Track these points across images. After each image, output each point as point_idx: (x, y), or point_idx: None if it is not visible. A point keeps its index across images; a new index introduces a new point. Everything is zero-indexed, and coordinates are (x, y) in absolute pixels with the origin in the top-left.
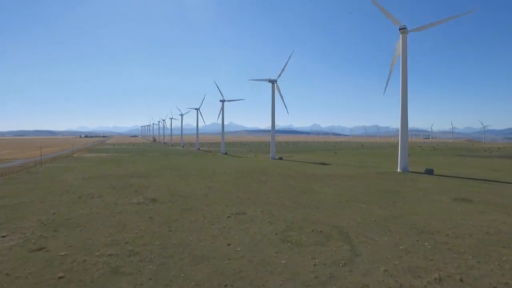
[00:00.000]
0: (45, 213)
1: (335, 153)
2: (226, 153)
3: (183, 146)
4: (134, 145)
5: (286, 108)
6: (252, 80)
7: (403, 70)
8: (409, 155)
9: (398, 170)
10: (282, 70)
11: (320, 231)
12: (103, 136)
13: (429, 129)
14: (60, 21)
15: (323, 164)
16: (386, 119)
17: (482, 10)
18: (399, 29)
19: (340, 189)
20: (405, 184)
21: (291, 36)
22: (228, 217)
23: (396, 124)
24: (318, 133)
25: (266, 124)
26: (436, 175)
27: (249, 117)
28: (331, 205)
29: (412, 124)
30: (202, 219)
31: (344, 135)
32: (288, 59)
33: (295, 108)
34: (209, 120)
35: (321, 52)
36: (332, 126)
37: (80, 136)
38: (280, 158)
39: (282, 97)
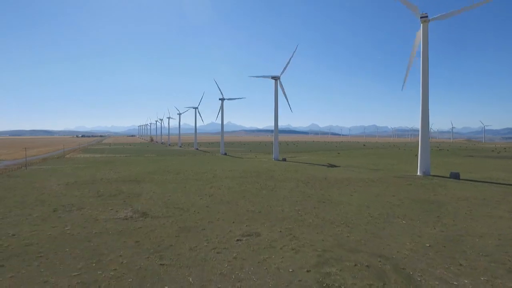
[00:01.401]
0: (1, 235)
1: (339, 153)
2: (225, 154)
3: (180, 146)
4: (130, 145)
5: (289, 106)
6: (253, 77)
7: (424, 65)
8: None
9: (419, 173)
10: (286, 66)
11: (367, 266)
12: (101, 136)
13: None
14: (58, 21)
15: (331, 166)
16: (384, 119)
17: (482, 11)
18: (420, 17)
19: (365, 198)
20: (438, 192)
21: (289, 36)
22: (238, 240)
23: (393, 124)
24: (316, 133)
25: (264, 124)
26: (463, 179)
27: (248, 116)
28: (363, 221)
29: (410, 124)
30: (205, 243)
31: (343, 135)
32: (292, 54)
33: (293, 107)
34: (207, 119)
35: (319, 51)
36: (330, 126)
37: (77, 136)
38: (284, 159)
39: (285, 95)
